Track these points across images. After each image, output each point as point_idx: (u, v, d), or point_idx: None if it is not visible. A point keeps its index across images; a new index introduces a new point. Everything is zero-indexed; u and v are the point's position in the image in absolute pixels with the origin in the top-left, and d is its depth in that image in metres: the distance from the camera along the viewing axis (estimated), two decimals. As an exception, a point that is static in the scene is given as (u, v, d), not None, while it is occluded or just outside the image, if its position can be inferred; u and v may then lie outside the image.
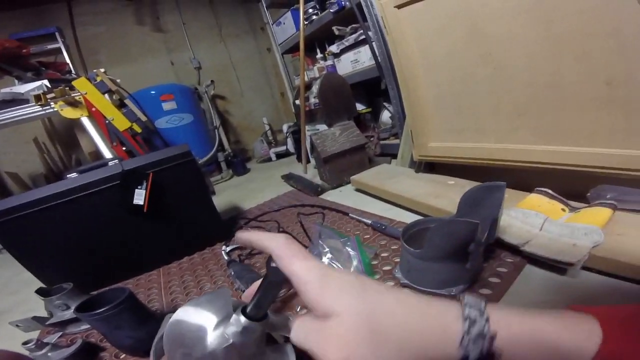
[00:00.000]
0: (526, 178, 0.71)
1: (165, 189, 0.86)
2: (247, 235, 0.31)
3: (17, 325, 0.65)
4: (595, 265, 0.47)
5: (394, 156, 1.24)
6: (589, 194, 0.61)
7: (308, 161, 1.48)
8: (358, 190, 1.09)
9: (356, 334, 0.21)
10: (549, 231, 0.54)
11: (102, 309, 0.49)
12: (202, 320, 0.32)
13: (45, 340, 0.55)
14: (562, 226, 0.54)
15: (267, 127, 2.49)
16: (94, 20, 2.16)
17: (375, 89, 1.47)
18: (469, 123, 0.80)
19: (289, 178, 1.41)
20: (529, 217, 0.58)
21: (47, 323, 0.65)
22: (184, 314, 0.32)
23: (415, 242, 0.54)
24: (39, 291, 0.68)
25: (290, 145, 2.09)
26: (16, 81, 1.55)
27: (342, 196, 1.09)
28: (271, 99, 2.79)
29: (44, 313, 0.69)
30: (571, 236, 0.51)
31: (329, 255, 0.62)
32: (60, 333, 0.65)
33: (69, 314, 0.66)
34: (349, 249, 0.64)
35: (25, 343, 0.52)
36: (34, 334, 0.68)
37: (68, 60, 2.00)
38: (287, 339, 0.32)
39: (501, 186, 0.50)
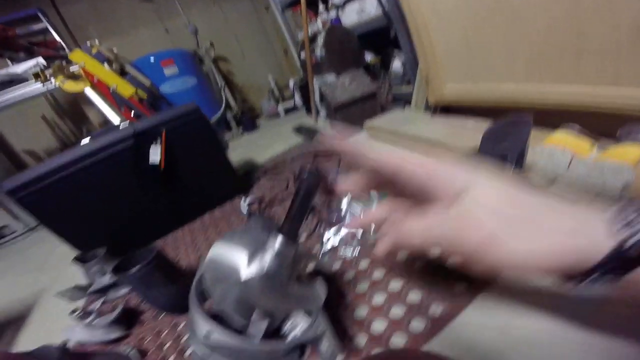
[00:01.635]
0: (548, 119, 0.68)
1: (178, 147, 0.87)
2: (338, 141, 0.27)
3: (62, 296, 0.70)
4: None
5: (407, 103, 1.20)
6: (618, 133, 0.58)
7: (318, 113, 1.45)
8: (372, 137, 1.07)
9: (497, 206, 0.19)
10: (575, 171, 0.52)
11: (133, 270, 0.50)
12: (236, 255, 0.33)
13: (89, 309, 0.58)
14: (590, 165, 0.51)
15: (272, 84, 2.43)
16: (76, -4, 2.05)
17: (384, 38, 1.39)
18: (483, 67, 0.77)
19: (299, 130, 1.39)
20: (555, 155, 0.55)
21: (89, 291, 0.69)
22: (218, 251, 0.34)
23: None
24: (76, 259, 0.71)
25: (298, 100, 2.05)
26: (10, 63, 1.53)
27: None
28: (274, 57, 2.70)
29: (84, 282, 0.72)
30: (600, 177, 0.48)
31: (348, 195, 0.62)
32: (102, 299, 0.68)
33: (107, 278, 0.69)
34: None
35: (72, 312, 0.56)
36: (80, 303, 0.72)
37: (58, 39, 1.94)
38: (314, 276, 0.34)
39: (527, 120, 0.48)
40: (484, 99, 0.79)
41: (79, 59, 1.26)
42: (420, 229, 0.22)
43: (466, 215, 0.20)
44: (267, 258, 0.30)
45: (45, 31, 1.93)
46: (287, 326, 0.37)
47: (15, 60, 1.50)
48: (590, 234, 0.17)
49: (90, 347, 0.55)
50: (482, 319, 0.35)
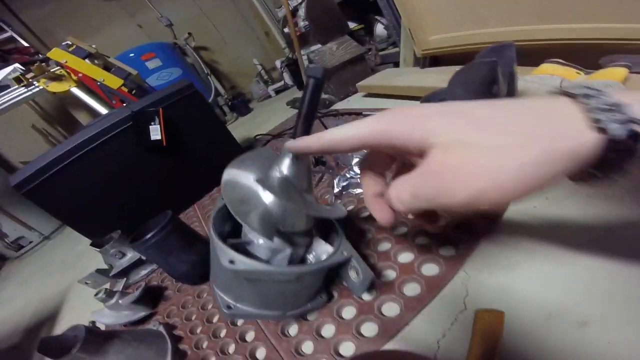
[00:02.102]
0: (534, 56, 0.70)
1: (178, 124, 0.88)
2: (303, 143, 0.25)
3: (86, 283, 0.70)
4: None
5: (396, 64, 1.22)
6: (600, 61, 0.60)
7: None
8: (366, 96, 1.09)
9: (470, 141, 0.17)
10: (569, 88, 0.54)
11: (149, 235, 0.50)
12: (252, 168, 0.34)
13: (114, 289, 0.57)
14: (581, 82, 0.54)
15: (259, 68, 2.42)
16: (34, 1, 2.00)
17: (363, 5, 1.39)
18: (465, 13, 0.78)
19: (294, 102, 1.41)
20: (546, 79, 0.57)
21: (110, 275, 0.69)
22: (232, 172, 0.34)
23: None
24: (94, 244, 0.71)
25: (287, 79, 2.06)
26: None
27: (351, 104, 1.10)
28: (256, 40, 2.67)
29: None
30: None
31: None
32: (124, 279, 0.68)
33: (126, 260, 0.69)
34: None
35: (96, 294, 0.55)
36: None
37: (26, 45, 1.91)
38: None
39: (510, 45, 0.50)
40: (468, 43, 0.81)
41: (60, 57, 1.23)
42: (407, 193, 0.20)
43: (440, 169, 0.18)
44: (285, 163, 0.31)
45: (12, 40, 1.89)
46: (311, 256, 0.39)
47: None
48: (573, 134, 0.16)
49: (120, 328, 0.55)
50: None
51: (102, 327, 0.56)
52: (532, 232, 0.37)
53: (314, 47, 1.36)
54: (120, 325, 0.55)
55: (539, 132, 0.16)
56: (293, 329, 0.39)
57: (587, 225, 0.35)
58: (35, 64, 1.23)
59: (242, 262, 0.31)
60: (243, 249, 0.35)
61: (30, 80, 1.23)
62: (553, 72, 0.59)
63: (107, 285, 0.63)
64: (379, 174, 0.26)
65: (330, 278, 0.42)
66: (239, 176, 0.34)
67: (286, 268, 0.34)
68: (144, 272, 0.70)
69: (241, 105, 2.08)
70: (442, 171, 0.18)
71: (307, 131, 0.30)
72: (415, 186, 0.19)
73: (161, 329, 0.47)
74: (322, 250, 0.39)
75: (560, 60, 0.62)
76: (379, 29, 1.49)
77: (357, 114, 0.90)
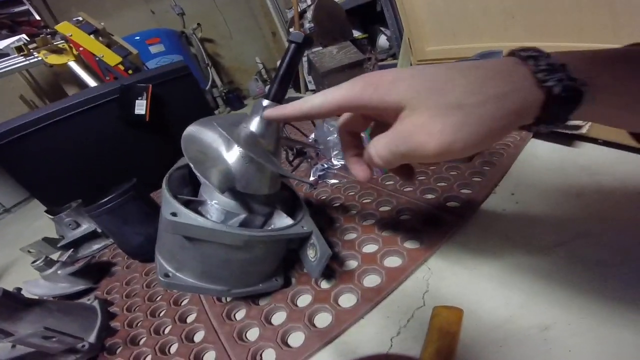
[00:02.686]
0: None
1: (166, 103, 0.86)
2: (281, 111, 0.26)
3: (28, 251, 0.64)
4: (599, 134, 0.46)
5: (393, 74, 1.23)
6: None
7: (306, 87, 1.46)
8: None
9: (433, 102, 0.19)
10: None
11: (109, 198, 0.47)
12: (217, 127, 0.32)
13: (54, 260, 0.53)
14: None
15: (260, 66, 2.42)
16: (59, -23, 2.02)
17: (370, 15, 1.41)
18: (463, 26, 0.79)
19: (287, 100, 1.40)
20: None
21: (58, 245, 0.64)
22: (196, 127, 0.33)
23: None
24: (49, 211, 0.65)
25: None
26: None
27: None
28: (262, 39, 2.68)
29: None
30: None
31: (334, 135, 0.63)
32: (72, 250, 0.63)
33: (80, 231, 0.64)
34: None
35: (34, 262, 0.50)
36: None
37: (39, 18, 1.91)
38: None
39: (498, 52, 0.50)
40: (462, 56, 0.81)
41: (66, 31, 1.24)
42: (386, 150, 0.21)
43: (412, 127, 0.19)
44: (254, 121, 0.30)
45: (27, 13, 1.89)
46: (270, 225, 0.36)
47: None
48: (522, 93, 0.18)
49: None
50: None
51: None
52: (499, 233, 0.36)
53: (315, 49, 1.36)
54: (51, 297, 0.51)
55: (493, 91, 0.18)
56: (240, 313, 0.37)
57: (553, 230, 0.34)
58: (40, 36, 1.23)
59: (186, 216, 0.29)
60: (194, 210, 0.32)
61: (31, 50, 1.23)
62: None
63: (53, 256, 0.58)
64: (356, 135, 0.27)
65: (290, 262, 0.40)
66: (203, 130, 0.32)
67: (233, 229, 0.30)
68: (95, 246, 0.66)
69: (235, 99, 2.08)
70: (413, 129, 0.19)
71: (282, 93, 0.30)
72: (392, 143, 0.21)
73: (95, 303, 0.44)
74: (281, 223, 0.36)
75: None
76: (382, 40, 1.51)
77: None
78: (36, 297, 0.49)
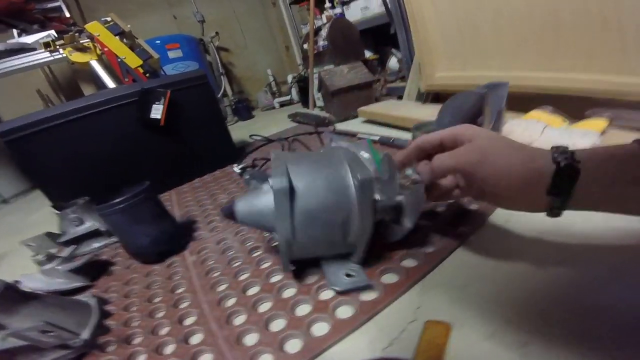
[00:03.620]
0: (527, 103, 0.74)
1: (181, 109, 0.90)
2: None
3: (29, 245, 0.64)
4: None
5: (400, 98, 1.26)
6: (586, 113, 0.64)
7: (314, 104, 1.50)
8: (365, 122, 1.12)
9: (490, 143, 0.30)
10: (548, 135, 0.57)
11: (123, 198, 0.49)
12: None
13: (57, 255, 0.53)
14: (561, 130, 0.57)
15: (271, 78, 2.48)
16: (93, -24, 2.11)
17: (383, 37, 1.46)
18: (474, 53, 0.83)
19: (295, 115, 1.44)
20: (530, 124, 0.61)
21: (59, 240, 0.65)
22: None
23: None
24: (55, 206, 0.67)
25: (294, 95, 2.10)
26: (15, 34, 1.56)
27: (350, 127, 1.13)
28: (275, 52, 2.75)
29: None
30: (569, 138, 0.54)
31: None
32: (74, 247, 0.63)
33: (83, 229, 0.65)
34: (362, 150, 0.67)
35: (34, 255, 0.51)
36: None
37: (68, 15, 1.99)
38: None
39: (504, 83, 0.53)
40: (469, 84, 0.85)
41: (94, 30, 1.29)
42: (450, 158, 0.31)
43: (475, 146, 0.30)
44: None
45: (58, 9, 1.96)
46: None
47: (27, 32, 1.52)
48: (540, 160, 0.27)
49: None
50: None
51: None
52: (489, 255, 0.39)
53: (327, 67, 1.41)
54: (47, 292, 0.50)
55: (521, 153, 0.29)
56: (240, 318, 0.38)
57: (538, 255, 0.37)
58: (69, 33, 1.29)
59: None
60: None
61: (57, 47, 1.28)
62: (539, 118, 0.62)
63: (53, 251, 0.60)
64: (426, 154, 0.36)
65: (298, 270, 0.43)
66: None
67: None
68: (96, 244, 0.67)
69: (244, 109, 2.11)
70: (474, 147, 0.30)
71: None
72: (457, 153, 0.31)
73: (92, 301, 0.44)
74: None
75: (550, 108, 0.66)
76: (392, 62, 1.56)
77: (353, 135, 0.93)
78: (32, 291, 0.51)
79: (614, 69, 0.57)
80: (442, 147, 0.34)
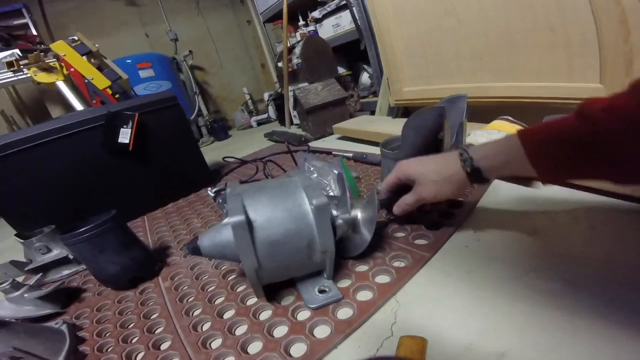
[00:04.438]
0: (489, 113, 0.79)
1: (150, 132, 0.88)
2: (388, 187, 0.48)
3: None
4: None
5: (373, 112, 1.31)
6: (544, 119, 0.69)
7: (291, 121, 1.52)
8: (340, 139, 1.15)
9: (428, 173, 0.42)
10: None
11: (87, 227, 0.47)
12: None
13: (24, 283, 0.52)
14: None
15: (247, 97, 2.49)
16: (63, -4, 2.07)
17: (355, 53, 1.51)
18: (436, 69, 0.89)
19: (272, 134, 1.45)
20: (493, 134, 0.65)
21: (26, 268, 0.62)
22: None
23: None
24: (19, 235, 0.64)
25: (272, 112, 2.12)
26: None
27: (325, 144, 1.15)
28: (251, 70, 2.77)
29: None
30: None
31: (314, 175, 0.67)
32: (40, 274, 0.61)
33: (51, 256, 0.63)
34: (334, 169, 0.69)
35: (0, 284, 0.49)
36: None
37: (35, 33, 1.93)
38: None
39: (462, 96, 0.56)
40: (435, 97, 0.90)
41: (60, 50, 1.26)
42: (411, 197, 0.44)
43: (423, 186, 0.43)
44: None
45: (25, 27, 1.90)
46: None
47: None
48: (459, 173, 0.40)
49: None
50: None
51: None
52: (462, 268, 0.40)
53: (301, 85, 1.44)
54: (15, 319, 0.49)
55: (447, 173, 0.41)
56: (216, 342, 0.38)
57: (510, 265, 0.38)
58: (34, 53, 1.24)
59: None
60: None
61: (21, 66, 1.23)
62: (500, 128, 0.66)
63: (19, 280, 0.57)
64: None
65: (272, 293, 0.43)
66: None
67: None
68: (66, 272, 0.65)
69: (220, 129, 2.09)
70: (421, 190, 0.43)
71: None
72: (412, 197, 0.44)
73: (63, 327, 0.44)
74: None
75: (510, 118, 0.70)
76: (364, 78, 1.61)
77: (328, 153, 0.95)
78: (-1, 319, 0.48)
79: (564, 77, 0.63)
80: (400, 181, 0.46)
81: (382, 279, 0.41)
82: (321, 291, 0.41)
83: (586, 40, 0.57)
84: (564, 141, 0.31)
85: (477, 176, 0.38)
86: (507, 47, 0.70)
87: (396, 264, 0.43)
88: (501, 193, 0.56)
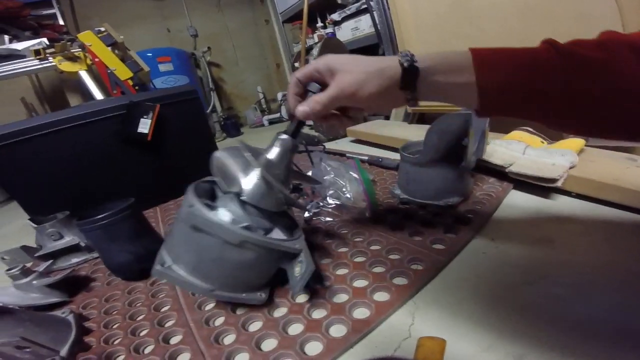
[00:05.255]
0: (507, 124, 0.78)
1: (168, 124, 0.88)
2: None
3: (2, 258, 0.61)
4: (572, 187, 0.52)
5: (388, 117, 1.30)
6: (563, 134, 0.68)
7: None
8: (353, 142, 1.15)
9: (352, 66, 0.34)
10: (530, 154, 0.61)
11: (103, 215, 0.47)
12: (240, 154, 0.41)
13: (33, 269, 0.52)
14: (541, 150, 0.61)
15: (261, 96, 2.51)
16: (91, -13, 2.12)
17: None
18: None
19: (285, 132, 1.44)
20: (512, 144, 0.64)
21: (36, 255, 0.62)
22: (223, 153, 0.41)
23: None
24: (32, 219, 0.65)
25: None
26: (7, 40, 1.54)
27: (338, 146, 1.15)
28: (266, 69, 2.79)
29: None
30: (550, 157, 0.57)
31: (331, 174, 0.67)
32: (50, 261, 0.61)
33: (62, 243, 0.63)
34: (350, 170, 0.68)
35: (8, 270, 0.49)
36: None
37: (62, 23, 1.98)
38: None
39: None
40: (452, 105, 0.89)
41: (87, 40, 1.29)
42: (325, 93, 0.35)
43: (343, 74, 0.34)
44: (272, 150, 0.38)
45: (52, 17, 1.95)
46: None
47: (19, 38, 1.50)
48: (392, 64, 0.33)
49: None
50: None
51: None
52: (479, 273, 0.40)
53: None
54: (20, 307, 0.48)
55: (379, 65, 0.34)
56: (229, 338, 0.38)
57: (524, 271, 0.39)
58: (61, 42, 1.27)
59: (199, 209, 0.36)
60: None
61: (47, 55, 1.26)
62: (520, 138, 0.66)
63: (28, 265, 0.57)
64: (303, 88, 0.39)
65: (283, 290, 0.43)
66: (231, 152, 0.42)
67: (233, 227, 0.36)
68: (75, 260, 0.64)
69: (232, 126, 2.12)
70: (342, 81, 0.34)
71: (297, 131, 0.40)
72: (329, 92, 0.35)
73: (70, 317, 0.43)
74: (279, 234, 0.42)
75: (530, 129, 0.69)
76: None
77: (342, 155, 0.95)
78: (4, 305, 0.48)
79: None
80: (317, 73, 0.38)
81: (400, 280, 0.41)
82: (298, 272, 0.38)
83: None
84: (522, 64, 0.31)
85: (411, 78, 0.33)
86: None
87: (414, 266, 0.43)
88: (518, 202, 0.56)
